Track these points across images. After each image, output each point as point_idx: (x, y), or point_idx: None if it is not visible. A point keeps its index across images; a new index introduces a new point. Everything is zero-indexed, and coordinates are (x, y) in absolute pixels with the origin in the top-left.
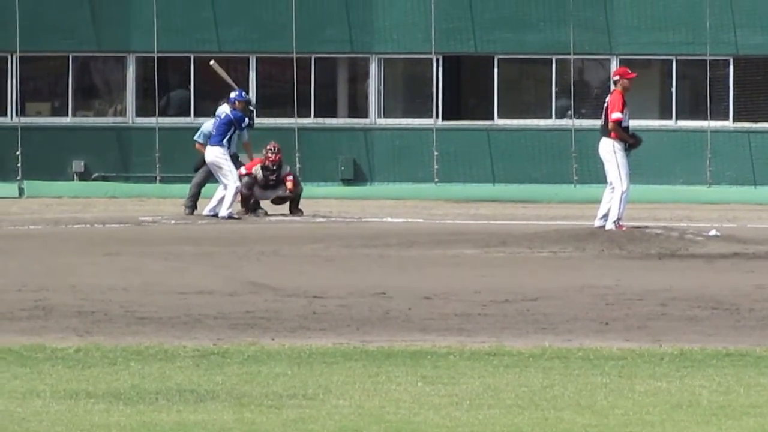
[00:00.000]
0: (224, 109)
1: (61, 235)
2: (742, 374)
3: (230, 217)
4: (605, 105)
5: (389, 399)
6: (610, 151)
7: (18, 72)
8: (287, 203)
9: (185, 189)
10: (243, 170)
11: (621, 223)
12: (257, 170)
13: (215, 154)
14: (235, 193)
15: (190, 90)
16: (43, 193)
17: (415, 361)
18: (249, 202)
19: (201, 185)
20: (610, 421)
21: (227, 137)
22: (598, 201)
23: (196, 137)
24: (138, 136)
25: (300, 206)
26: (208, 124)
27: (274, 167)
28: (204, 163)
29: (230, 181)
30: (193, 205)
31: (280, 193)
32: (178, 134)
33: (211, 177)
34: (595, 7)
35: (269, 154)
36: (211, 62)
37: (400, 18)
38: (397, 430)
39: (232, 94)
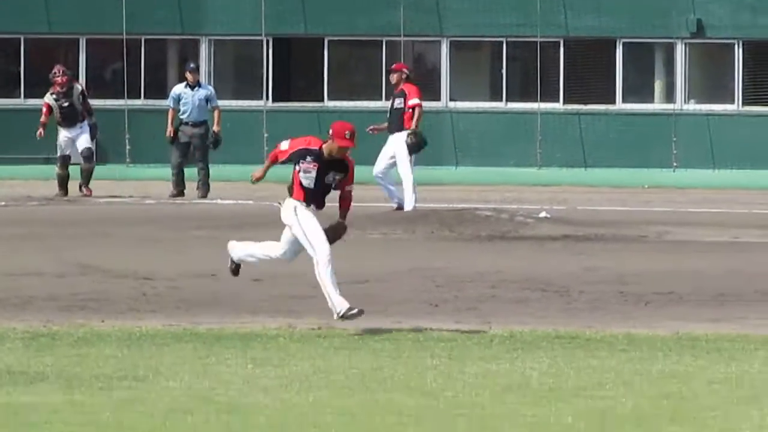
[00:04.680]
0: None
1: None
2: (571, 356)
3: None
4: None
5: (219, 380)
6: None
7: None
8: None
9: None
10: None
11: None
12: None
13: None
14: None
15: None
16: None
17: (245, 343)
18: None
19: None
20: (440, 403)
21: None
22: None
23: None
24: None
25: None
26: (178, 87)
27: (64, 89)
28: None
29: None
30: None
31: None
32: (7, 115)
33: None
34: None
35: (56, 78)
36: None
37: (230, 0)
38: (227, 411)
39: None
